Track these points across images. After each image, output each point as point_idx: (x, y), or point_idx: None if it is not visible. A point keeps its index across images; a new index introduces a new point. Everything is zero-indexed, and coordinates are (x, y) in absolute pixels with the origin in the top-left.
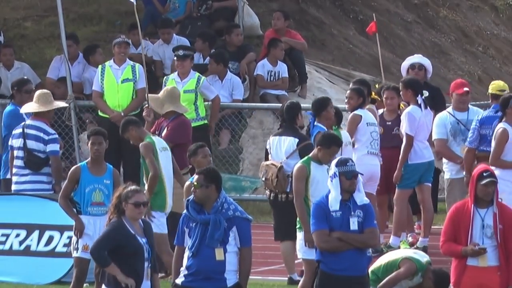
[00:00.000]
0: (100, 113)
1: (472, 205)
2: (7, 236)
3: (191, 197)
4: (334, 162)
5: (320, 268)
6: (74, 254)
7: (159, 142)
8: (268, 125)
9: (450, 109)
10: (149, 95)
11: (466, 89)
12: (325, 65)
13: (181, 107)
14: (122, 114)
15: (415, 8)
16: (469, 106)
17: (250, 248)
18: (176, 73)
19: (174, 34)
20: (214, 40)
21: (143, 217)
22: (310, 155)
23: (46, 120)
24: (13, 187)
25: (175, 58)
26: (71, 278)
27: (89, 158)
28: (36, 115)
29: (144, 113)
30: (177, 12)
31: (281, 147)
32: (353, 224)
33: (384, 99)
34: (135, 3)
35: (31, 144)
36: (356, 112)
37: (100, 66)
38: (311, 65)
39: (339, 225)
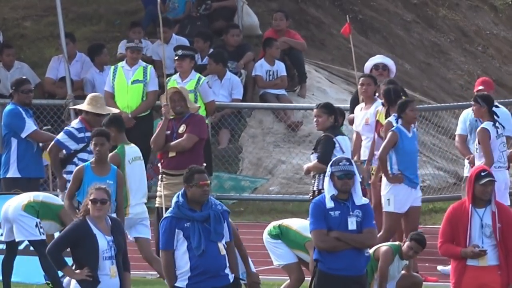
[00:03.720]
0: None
1: (470, 205)
2: None
3: (180, 198)
4: (331, 161)
5: (318, 268)
6: None
7: (131, 153)
8: (268, 124)
9: None
10: (183, 88)
11: (480, 87)
12: (325, 65)
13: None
14: (130, 115)
15: (415, 8)
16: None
17: (233, 242)
18: (178, 74)
19: (174, 34)
20: (212, 40)
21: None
22: None
23: (83, 120)
24: None
25: (175, 58)
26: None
27: (93, 159)
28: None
29: (164, 111)
30: (177, 11)
31: None
32: (351, 224)
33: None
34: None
35: None
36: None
37: (112, 67)
38: (310, 65)
39: (337, 224)
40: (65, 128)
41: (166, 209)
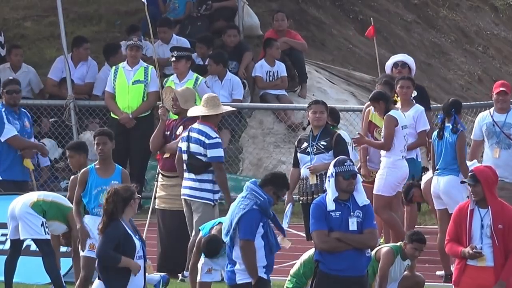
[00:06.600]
0: (112, 115)
1: (472, 205)
2: (7, 236)
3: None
4: (332, 162)
5: (319, 268)
6: (81, 253)
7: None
8: (268, 125)
9: (492, 109)
10: (176, 89)
11: (502, 88)
12: (325, 65)
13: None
14: (131, 116)
15: (415, 8)
16: None
17: None
18: (175, 74)
19: (174, 35)
20: (214, 43)
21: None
22: None
23: (211, 124)
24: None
25: (171, 59)
26: (72, 278)
27: (97, 160)
28: (202, 119)
29: (160, 112)
30: (177, 12)
31: None
32: (352, 225)
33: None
34: (145, 2)
35: (193, 147)
36: (391, 114)
37: (113, 67)
38: (311, 65)
39: (338, 225)
40: (212, 141)
41: (162, 210)
